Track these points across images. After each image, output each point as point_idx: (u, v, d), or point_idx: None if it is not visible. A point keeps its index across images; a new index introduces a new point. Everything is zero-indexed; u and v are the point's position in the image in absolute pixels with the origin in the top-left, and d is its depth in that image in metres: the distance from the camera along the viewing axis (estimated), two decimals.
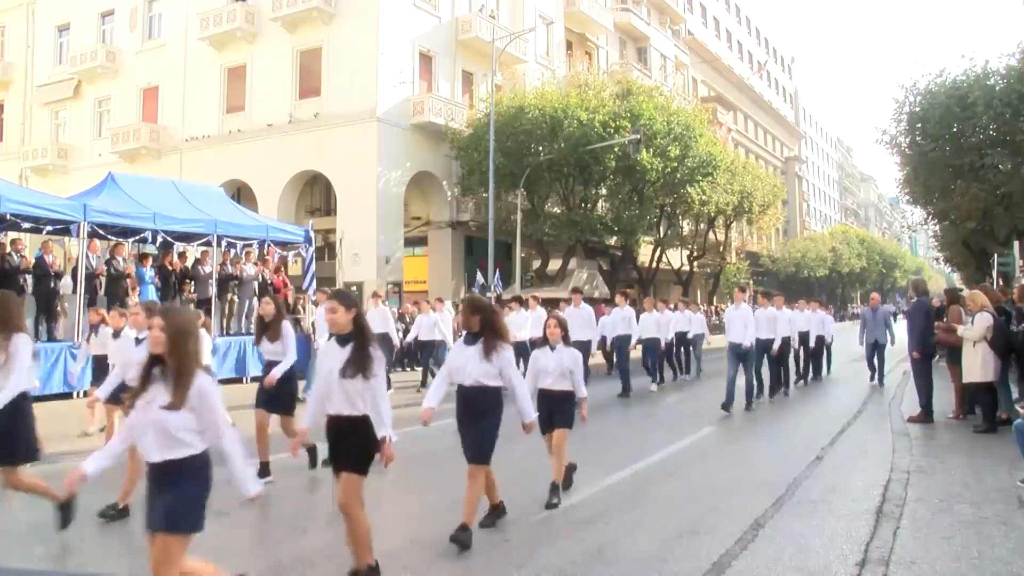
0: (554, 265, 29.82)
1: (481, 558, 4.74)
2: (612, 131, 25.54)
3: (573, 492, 6.19)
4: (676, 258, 37.41)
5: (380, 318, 12.43)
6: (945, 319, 10.16)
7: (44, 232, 13.51)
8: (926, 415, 9.57)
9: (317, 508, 6.19)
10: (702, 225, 37.20)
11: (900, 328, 14.30)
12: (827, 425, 9.99)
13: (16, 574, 2.35)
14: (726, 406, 10.64)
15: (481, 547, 4.92)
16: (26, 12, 33.73)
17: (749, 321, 11.11)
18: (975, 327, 8.63)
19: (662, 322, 14.16)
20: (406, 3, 26.55)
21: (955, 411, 9.79)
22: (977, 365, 8.61)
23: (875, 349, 14.30)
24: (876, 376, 14.28)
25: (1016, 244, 18.36)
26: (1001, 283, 17.77)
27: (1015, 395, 9.01)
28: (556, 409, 5.97)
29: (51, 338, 12.72)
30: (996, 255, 19.95)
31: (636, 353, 14.49)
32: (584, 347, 12.04)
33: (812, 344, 14.71)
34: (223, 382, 13.27)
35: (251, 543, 5.13)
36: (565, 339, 6.09)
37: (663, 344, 14.27)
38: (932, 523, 5.25)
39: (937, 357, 11.52)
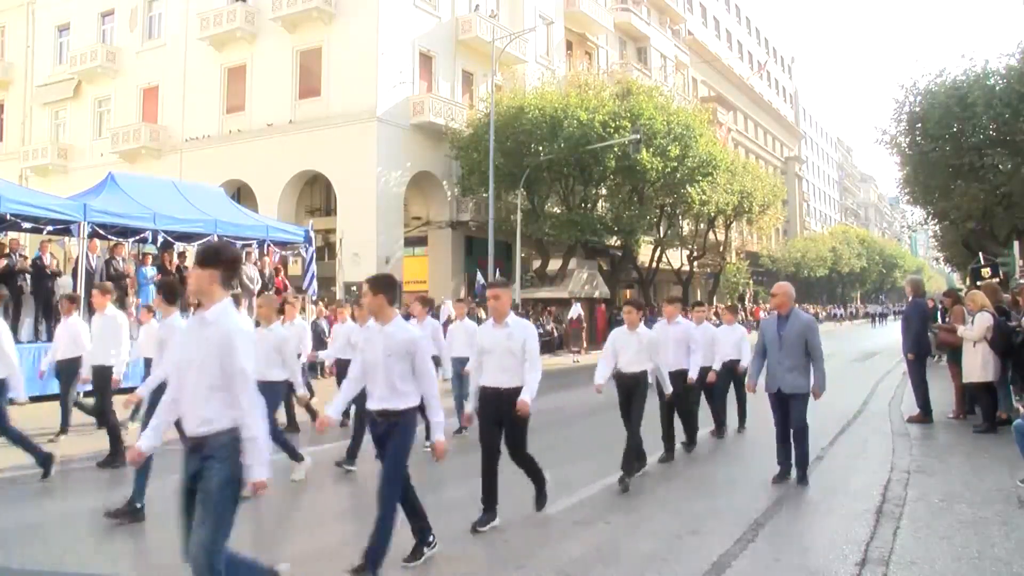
0: (554, 265, 29.80)
1: (481, 558, 4.74)
2: (612, 131, 25.53)
3: (573, 492, 6.18)
4: (676, 258, 37.41)
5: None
6: (948, 319, 10.16)
7: (44, 232, 13.51)
8: (925, 415, 9.58)
9: (321, 507, 6.18)
10: (702, 225, 37.19)
11: (890, 330, 13.63)
12: (827, 425, 9.95)
13: (16, 574, 2.35)
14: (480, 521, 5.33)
15: (481, 547, 4.93)
16: (26, 12, 33.73)
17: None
18: (975, 327, 8.63)
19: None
20: (406, 3, 26.54)
21: (955, 411, 9.79)
22: (977, 365, 8.62)
23: (782, 405, 6.56)
24: (792, 467, 6.57)
25: (1016, 244, 18.38)
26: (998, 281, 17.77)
27: (1015, 395, 9.02)
28: None
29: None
30: (994, 255, 19.93)
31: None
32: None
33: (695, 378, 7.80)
34: None
35: (251, 542, 5.13)
36: None
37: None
38: (932, 523, 5.25)
39: (937, 357, 11.53)
